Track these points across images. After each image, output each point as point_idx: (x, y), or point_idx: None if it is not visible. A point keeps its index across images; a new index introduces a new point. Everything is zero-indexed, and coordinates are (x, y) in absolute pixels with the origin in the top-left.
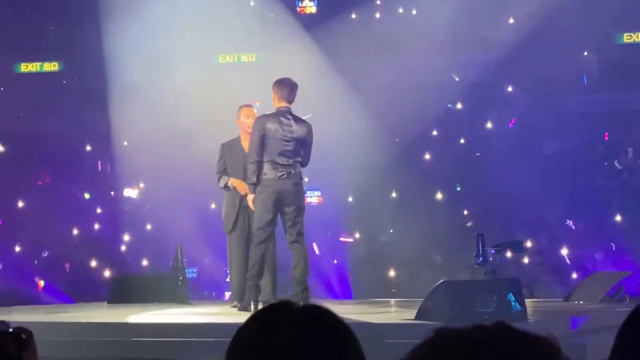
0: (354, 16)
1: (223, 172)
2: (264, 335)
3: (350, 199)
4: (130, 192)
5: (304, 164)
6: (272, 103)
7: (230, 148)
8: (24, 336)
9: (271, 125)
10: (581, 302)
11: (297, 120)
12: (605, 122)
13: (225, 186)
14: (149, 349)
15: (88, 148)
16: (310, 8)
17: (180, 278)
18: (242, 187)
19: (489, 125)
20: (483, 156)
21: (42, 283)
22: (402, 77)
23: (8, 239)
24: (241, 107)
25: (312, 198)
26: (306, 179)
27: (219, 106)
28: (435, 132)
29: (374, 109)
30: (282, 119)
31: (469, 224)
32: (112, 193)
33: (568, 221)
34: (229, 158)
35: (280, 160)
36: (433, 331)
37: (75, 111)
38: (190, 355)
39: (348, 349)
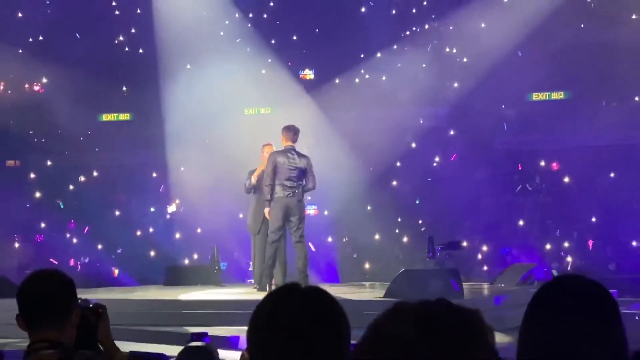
0: (337, 81)
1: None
2: (277, 308)
3: (337, 212)
4: (171, 208)
5: (311, 187)
6: (282, 142)
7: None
8: (100, 310)
9: (280, 159)
10: (502, 285)
11: (299, 155)
12: (520, 157)
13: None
14: (193, 318)
15: (153, 175)
16: (310, 75)
17: (216, 268)
18: None
19: (437, 159)
20: (433, 181)
21: (116, 271)
22: (375, 124)
23: (94, 240)
24: (264, 145)
25: (311, 210)
26: (308, 198)
27: (245, 144)
28: (399, 164)
29: (354, 147)
30: (288, 154)
31: (422, 229)
32: (168, 206)
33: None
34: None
35: (288, 183)
36: (394, 303)
37: (142, 149)
38: (221, 321)
39: (339, 319)
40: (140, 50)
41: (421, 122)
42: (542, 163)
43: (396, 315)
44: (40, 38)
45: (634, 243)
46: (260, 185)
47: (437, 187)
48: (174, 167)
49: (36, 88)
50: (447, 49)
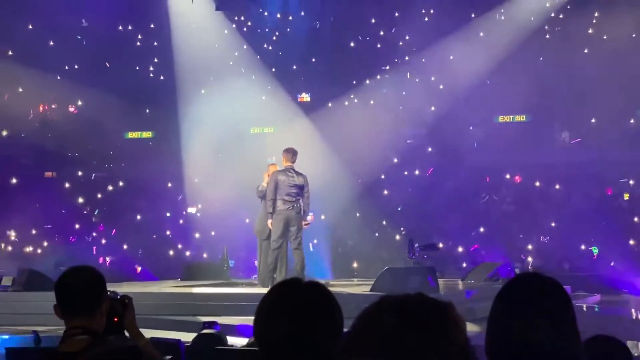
0: (330, 105)
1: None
2: (280, 298)
3: (330, 218)
4: (192, 210)
5: (306, 201)
6: (282, 162)
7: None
8: (127, 300)
9: (281, 177)
10: (472, 281)
11: (298, 173)
12: (487, 171)
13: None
14: (205, 309)
15: (169, 184)
16: (306, 98)
17: (225, 266)
18: None
19: (417, 172)
20: (413, 191)
21: (139, 268)
22: (363, 141)
23: (120, 241)
24: (269, 164)
25: (308, 216)
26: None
27: (251, 158)
28: (383, 176)
29: (345, 161)
30: (287, 173)
31: (403, 232)
32: (184, 212)
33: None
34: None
35: (287, 198)
36: (379, 297)
37: (161, 162)
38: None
39: (334, 309)
40: (162, 77)
41: (408, 142)
42: (507, 176)
43: (380, 306)
44: (76, 67)
45: (583, 247)
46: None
47: (416, 197)
48: (189, 178)
49: (71, 109)
50: (423, 78)
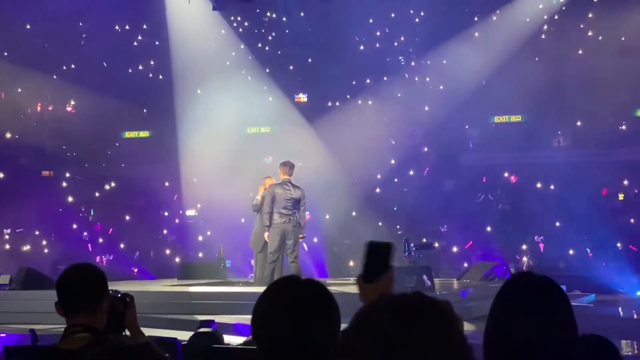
0: (329, 104)
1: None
2: (279, 296)
3: (327, 217)
4: (190, 212)
5: (302, 215)
6: (279, 175)
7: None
8: (128, 299)
9: (278, 190)
10: (468, 280)
11: (294, 186)
12: (483, 171)
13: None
14: (202, 308)
15: (167, 184)
16: (303, 98)
17: (222, 265)
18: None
19: (411, 172)
20: (409, 191)
21: (135, 270)
22: (360, 141)
23: (117, 240)
24: (265, 177)
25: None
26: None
27: (247, 158)
28: (379, 176)
29: (341, 160)
30: (284, 186)
31: (399, 232)
32: (181, 212)
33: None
34: (261, 206)
35: (284, 211)
36: (378, 296)
37: (159, 161)
38: (226, 310)
39: (331, 306)
40: (160, 77)
41: (400, 141)
42: (505, 175)
43: (378, 305)
44: (73, 66)
45: (579, 246)
46: (262, 207)
47: (412, 196)
48: (186, 178)
49: (68, 109)
50: (419, 79)
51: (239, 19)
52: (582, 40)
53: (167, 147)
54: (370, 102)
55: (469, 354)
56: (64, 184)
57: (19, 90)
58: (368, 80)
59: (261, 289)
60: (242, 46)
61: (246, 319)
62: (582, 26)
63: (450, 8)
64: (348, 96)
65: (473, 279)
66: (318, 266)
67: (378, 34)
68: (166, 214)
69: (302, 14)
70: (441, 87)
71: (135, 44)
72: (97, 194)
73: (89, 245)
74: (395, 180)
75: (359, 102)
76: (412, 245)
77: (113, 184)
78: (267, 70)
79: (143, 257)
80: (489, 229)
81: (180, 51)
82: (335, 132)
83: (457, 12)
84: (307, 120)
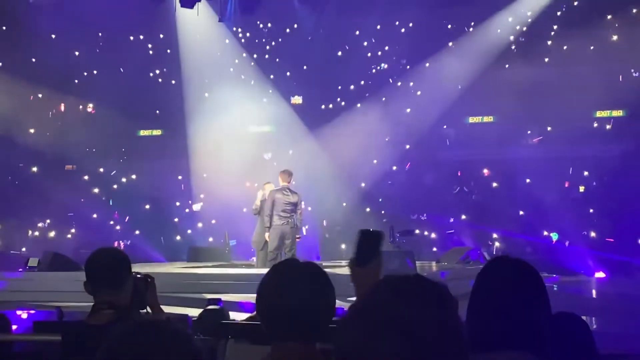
0: (323, 107)
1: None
2: (280, 278)
3: (319, 206)
4: (196, 206)
5: (299, 217)
6: (279, 181)
7: (262, 206)
8: (149, 279)
9: (278, 195)
10: (446, 263)
11: (292, 192)
12: (459, 166)
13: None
14: (210, 287)
15: (179, 177)
16: (298, 100)
17: (227, 249)
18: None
19: (394, 167)
20: (393, 184)
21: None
22: (349, 138)
23: (133, 227)
24: (265, 183)
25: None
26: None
27: (250, 156)
28: (366, 170)
29: (332, 155)
30: (283, 192)
31: (385, 220)
32: (190, 202)
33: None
34: (262, 210)
35: (283, 214)
36: (382, 278)
37: (170, 157)
38: (231, 289)
39: (326, 283)
40: (173, 82)
41: (387, 140)
42: (478, 171)
43: (380, 285)
44: (94, 72)
45: (545, 232)
46: (263, 210)
47: (395, 189)
48: (195, 172)
49: (89, 109)
50: (402, 84)
51: (241, 29)
52: (548, 50)
53: (178, 144)
54: (358, 105)
55: (462, 333)
56: (86, 177)
57: (44, 93)
58: (361, 83)
59: (262, 271)
60: (244, 54)
61: (249, 297)
62: (547, 37)
63: (431, 21)
64: (339, 99)
65: (450, 262)
66: (313, 250)
67: (365, 43)
68: (178, 204)
69: (296, 26)
70: (421, 91)
71: (150, 52)
72: (115, 186)
73: (109, 232)
74: (380, 174)
75: (348, 104)
76: (396, 232)
77: (129, 177)
78: (272, 77)
79: (157, 242)
80: (464, 217)
81: (189, 59)
82: (327, 131)
83: (437, 24)
84: (302, 120)
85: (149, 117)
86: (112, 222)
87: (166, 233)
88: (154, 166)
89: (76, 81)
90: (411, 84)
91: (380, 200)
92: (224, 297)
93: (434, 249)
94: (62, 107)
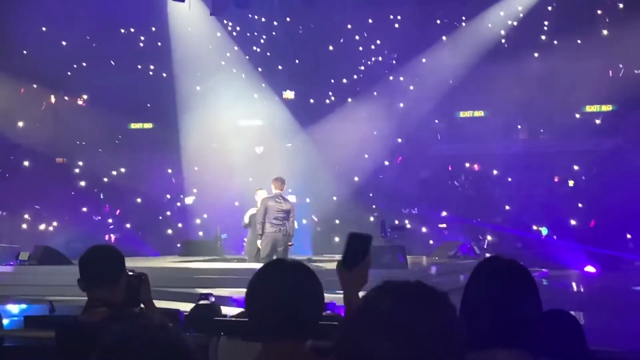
0: (312, 101)
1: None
2: (269, 278)
3: (310, 200)
4: (188, 200)
5: (291, 225)
6: (272, 189)
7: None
8: (143, 277)
9: (270, 203)
10: (436, 258)
11: (285, 199)
12: (450, 160)
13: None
14: (202, 282)
15: (169, 170)
16: (290, 95)
17: (219, 243)
18: None
19: (386, 163)
20: (385, 178)
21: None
22: (340, 133)
23: (123, 220)
24: (257, 189)
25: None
26: (289, 190)
27: (241, 148)
28: (358, 164)
29: (323, 150)
30: (276, 199)
31: (376, 214)
32: (182, 196)
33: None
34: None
35: (275, 221)
36: (382, 282)
37: (161, 150)
38: (223, 284)
39: (317, 286)
40: (164, 75)
41: (375, 133)
42: (467, 165)
43: (381, 290)
44: (84, 64)
45: (535, 227)
46: (253, 222)
47: (387, 183)
48: (186, 165)
49: (80, 102)
50: (393, 78)
51: (231, 23)
52: (538, 45)
53: (169, 137)
54: (349, 99)
55: (462, 339)
56: (76, 170)
57: (35, 85)
58: (353, 77)
59: (253, 265)
60: (235, 47)
61: (240, 292)
62: (538, 32)
63: (423, 17)
64: (330, 93)
65: (441, 257)
66: (304, 244)
67: (357, 37)
68: (168, 196)
69: (288, 19)
70: (413, 85)
71: (141, 45)
72: (105, 179)
73: (99, 225)
74: (372, 168)
75: (340, 98)
76: (387, 226)
77: (119, 170)
78: (260, 70)
79: (148, 236)
80: (454, 211)
81: (180, 52)
82: (318, 126)
83: (429, 20)
84: (293, 115)
85: (140, 110)
86: (100, 217)
87: (158, 226)
88: (145, 159)
89: (69, 73)
90: (402, 78)
91: (371, 195)
92: (216, 291)
93: (430, 242)
94: (53, 100)
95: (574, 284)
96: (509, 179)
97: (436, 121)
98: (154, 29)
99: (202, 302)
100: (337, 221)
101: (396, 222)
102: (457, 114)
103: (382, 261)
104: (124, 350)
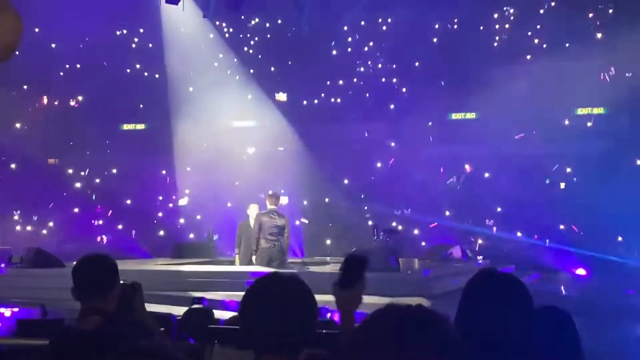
0: (305, 102)
1: (240, 241)
2: (263, 291)
3: (302, 203)
4: (182, 201)
5: (286, 241)
6: (267, 204)
7: (246, 227)
8: (136, 286)
9: (264, 219)
10: (429, 261)
11: (279, 215)
12: (442, 161)
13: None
14: (194, 285)
15: (163, 172)
16: (282, 97)
17: (211, 245)
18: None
19: (379, 164)
20: (376, 180)
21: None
22: (331, 135)
23: (115, 221)
24: (250, 204)
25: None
26: (282, 190)
27: (234, 149)
28: (349, 166)
29: (315, 152)
30: (270, 215)
31: (367, 215)
32: (174, 197)
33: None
34: (245, 232)
35: (269, 237)
36: (385, 305)
37: (154, 151)
38: (215, 287)
39: (309, 299)
40: (157, 76)
41: (366, 135)
42: (460, 166)
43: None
44: (78, 66)
45: (519, 234)
46: (245, 240)
47: (378, 185)
48: (179, 166)
49: (72, 103)
50: (385, 80)
51: (224, 24)
52: (530, 47)
53: (161, 139)
54: (339, 100)
55: None
56: (69, 171)
57: (26, 87)
58: (340, 82)
59: (246, 269)
60: (228, 49)
61: (233, 295)
62: (529, 34)
63: (415, 18)
64: (322, 95)
65: (433, 260)
66: (296, 246)
67: (349, 39)
68: (160, 198)
69: (280, 21)
70: (404, 90)
71: (133, 46)
72: (97, 180)
73: (91, 227)
74: (363, 170)
75: (332, 100)
76: (379, 230)
77: (112, 171)
78: (251, 71)
79: (140, 238)
80: (447, 213)
81: (173, 53)
82: (310, 127)
83: (421, 22)
84: (285, 116)
85: (132, 111)
86: (94, 216)
87: (150, 228)
88: (137, 160)
89: (61, 73)
90: (395, 80)
91: (362, 196)
92: (208, 295)
93: (422, 243)
94: (45, 101)
95: (558, 288)
96: (501, 181)
97: (429, 123)
98: (146, 30)
99: (194, 306)
100: (330, 224)
101: (393, 224)
102: (449, 115)
103: (375, 265)
104: None
